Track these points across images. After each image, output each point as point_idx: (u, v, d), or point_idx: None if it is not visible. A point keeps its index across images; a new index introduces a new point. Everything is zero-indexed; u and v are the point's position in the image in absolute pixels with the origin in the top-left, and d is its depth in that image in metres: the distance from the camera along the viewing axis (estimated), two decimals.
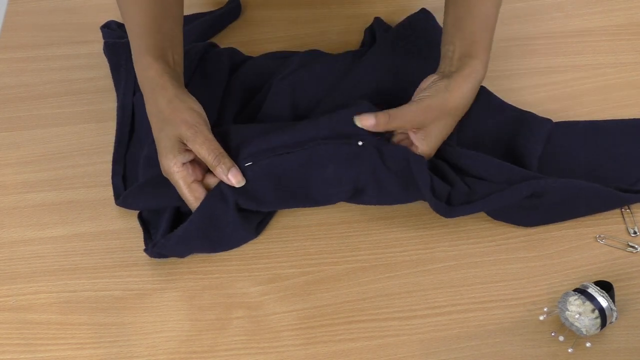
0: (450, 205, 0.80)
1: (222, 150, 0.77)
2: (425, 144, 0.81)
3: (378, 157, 0.80)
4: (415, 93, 0.84)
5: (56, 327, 0.75)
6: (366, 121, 0.79)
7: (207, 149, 0.76)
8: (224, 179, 0.77)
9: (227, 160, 0.77)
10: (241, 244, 0.81)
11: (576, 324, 0.71)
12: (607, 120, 0.92)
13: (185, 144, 0.77)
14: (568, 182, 0.80)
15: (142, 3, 0.83)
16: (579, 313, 0.71)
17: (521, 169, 0.82)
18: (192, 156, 0.78)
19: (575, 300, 0.71)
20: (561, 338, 0.73)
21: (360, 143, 0.78)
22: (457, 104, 0.81)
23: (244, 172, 0.78)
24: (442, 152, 0.84)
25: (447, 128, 0.82)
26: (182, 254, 0.80)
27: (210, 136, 0.77)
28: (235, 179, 0.77)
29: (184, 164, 0.77)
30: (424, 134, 0.81)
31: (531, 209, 0.82)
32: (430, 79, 0.83)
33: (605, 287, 0.73)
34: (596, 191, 0.81)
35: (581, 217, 0.83)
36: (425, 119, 0.80)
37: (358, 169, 0.80)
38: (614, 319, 0.72)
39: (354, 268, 0.80)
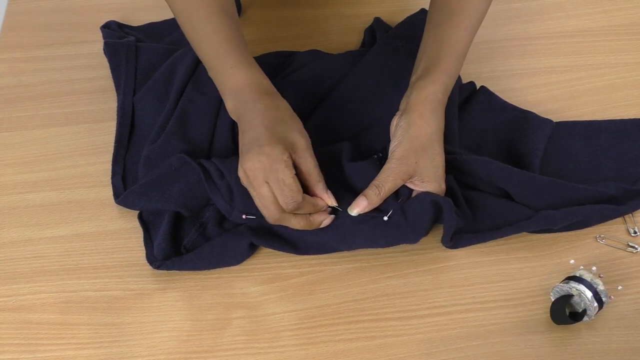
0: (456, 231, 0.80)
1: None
2: (427, 185, 0.78)
3: (404, 220, 0.78)
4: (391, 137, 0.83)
5: (56, 327, 0.75)
6: (360, 206, 0.78)
7: (314, 163, 0.77)
8: (323, 195, 0.78)
9: (324, 180, 0.78)
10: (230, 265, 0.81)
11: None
12: (607, 120, 0.92)
13: (290, 152, 0.76)
14: (572, 211, 0.80)
15: (219, 20, 0.83)
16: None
17: (524, 171, 0.82)
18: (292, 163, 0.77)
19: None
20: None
21: (385, 218, 0.78)
22: (427, 132, 0.79)
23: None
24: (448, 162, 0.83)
25: (435, 156, 0.80)
26: (182, 270, 0.80)
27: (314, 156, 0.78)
28: (332, 197, 0.78)
29: (289, 157, 0.76)
30: (420, 178, 0.79)
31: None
32: (395, 120, 0.82)
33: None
34: (600, 211, 0.81)
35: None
36: (409, 167, 0.78)
37: (384, 238, 0.79)
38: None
39: (354, 268, 0.80)
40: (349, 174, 0.82)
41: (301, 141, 0.77)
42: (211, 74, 0.84)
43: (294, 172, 0.75)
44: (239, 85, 0.81)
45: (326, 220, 0.78)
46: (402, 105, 0.83)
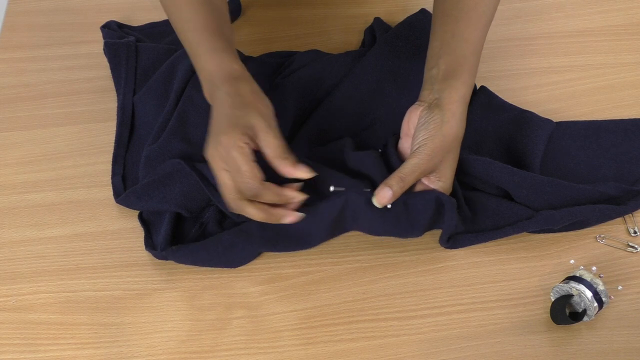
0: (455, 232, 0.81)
1: (287, 147, 0.76)
2: (440, 184, 0.79)
3: (404, 211, 0.79)
4: (403, 126, 0.82)
5: (56, 327, 0.75)
6: (385, 198, 0.76)
7: (277, 142, 0.75)
8: (290, 172, 0.75)
9: (293, 156, 0.76)
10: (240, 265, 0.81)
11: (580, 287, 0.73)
12: (607, 120, 0.92)
13: (251, 135, 0.74)
14: (572, 211, 0.80)
15: (198, 6, 0.83)
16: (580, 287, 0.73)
17: (524, 171, 0.82)
18: (253, 146, 0.75)
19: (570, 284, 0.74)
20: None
21: (389, 206, 0.77)
22: (456, 133, 0.79)
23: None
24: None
25: (455, 159, 0.80)
26: (184, 263, 0.80)
27: (280, 134, 0.76)
28: (303, 170, 0.75)
29: (246, 143, 0.74)
30: (438, 176, 0.79)
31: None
32: (417, 111, 0.80)
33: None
34: (600, 211, 0.81)
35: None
36: (434, 165, 0.78)
37: (383, 225, 0.80)
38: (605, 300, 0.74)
39: (354, 268, 0.80)
40: (353, 163, 0.82)
41: (261, 123, 0.74)
42: (192, 61, 0.84)
43: (251, 157, 0.73)
44: (209, 72, 0.80)
45: (289, 217, 0.76)
46: (427, 97, 0.81)
